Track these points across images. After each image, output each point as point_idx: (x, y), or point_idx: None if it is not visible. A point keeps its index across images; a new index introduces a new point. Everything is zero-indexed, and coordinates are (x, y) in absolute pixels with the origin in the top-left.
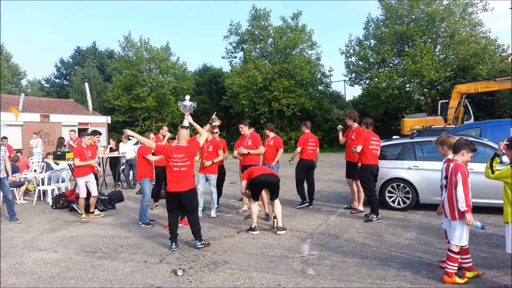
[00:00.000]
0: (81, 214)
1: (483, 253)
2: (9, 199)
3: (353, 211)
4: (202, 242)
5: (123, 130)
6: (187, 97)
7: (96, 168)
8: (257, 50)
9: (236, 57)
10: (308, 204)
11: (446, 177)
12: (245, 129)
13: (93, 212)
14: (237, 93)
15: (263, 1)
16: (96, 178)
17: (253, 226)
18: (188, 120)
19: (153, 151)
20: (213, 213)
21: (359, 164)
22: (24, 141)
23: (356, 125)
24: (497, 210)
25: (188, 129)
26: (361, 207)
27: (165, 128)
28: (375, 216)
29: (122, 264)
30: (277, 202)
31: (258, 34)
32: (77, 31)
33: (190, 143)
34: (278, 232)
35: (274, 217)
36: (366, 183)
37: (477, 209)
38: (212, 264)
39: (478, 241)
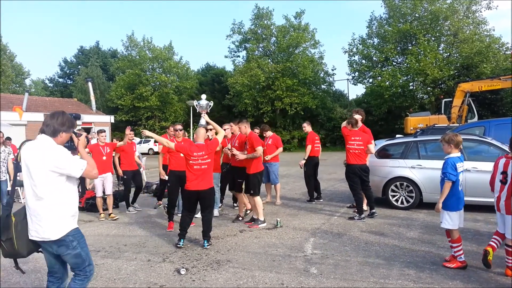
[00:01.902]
0: (100, 214)
1: None
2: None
3: (355, 210)
4: (210, 243)
5: (141, 130)
6: (203, 96)
7: (138, 164)
8: (260, 49)
9: (239, 56)
10: (309, 199)
11: (503, 172)
12: (235, 128)
13: (110, 214)
14: (240, 92)
15: (266, 0)
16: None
17: (262, 219)
18: (205, 118)
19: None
20: (216, 212)
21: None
22: None
23: (360, 124)
24: None
25: (205, 128)
26: (364, 206)
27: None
28: (357, 215)
29: (126, 263)
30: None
31: (261, 33)
32: (81, 31)
33: (207, 141)
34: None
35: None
36: (348, 183)
37: (482, 208)
38: (215, 263)
39: (482, 240)
